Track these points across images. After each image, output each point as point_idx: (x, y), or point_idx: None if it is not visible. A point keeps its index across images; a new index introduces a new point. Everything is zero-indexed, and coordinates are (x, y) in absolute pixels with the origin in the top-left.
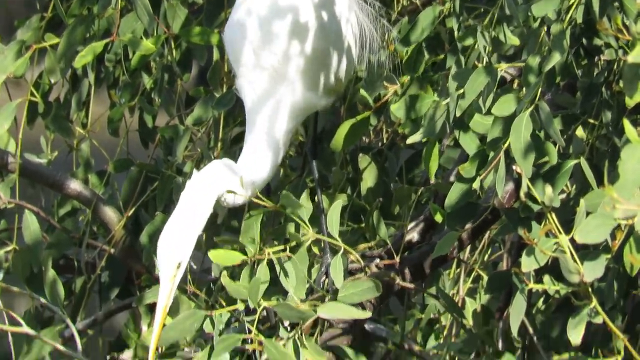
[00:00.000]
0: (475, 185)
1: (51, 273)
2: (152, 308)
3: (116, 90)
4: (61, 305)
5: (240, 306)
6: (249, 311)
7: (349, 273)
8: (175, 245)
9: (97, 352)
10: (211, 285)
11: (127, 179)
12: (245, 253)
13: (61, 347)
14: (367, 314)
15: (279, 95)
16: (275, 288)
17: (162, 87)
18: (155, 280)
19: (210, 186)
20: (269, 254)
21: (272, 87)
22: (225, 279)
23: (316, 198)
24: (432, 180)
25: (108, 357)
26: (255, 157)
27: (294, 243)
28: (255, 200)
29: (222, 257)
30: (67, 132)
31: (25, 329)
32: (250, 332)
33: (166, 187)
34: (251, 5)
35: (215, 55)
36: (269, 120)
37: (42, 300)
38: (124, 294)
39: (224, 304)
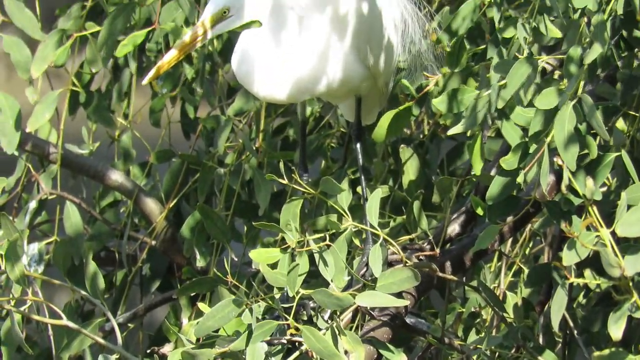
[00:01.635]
0: (519, 179)
1: (92, 265)
2: (193, 301)
3: (158, 80)
4: (102, 298)
5: (278, 294)
6: (288, 301)
7: (389, 265)
8: None
9: (138, 345)
10: (250, 278)
11: (169, 171)
12: (284, 244)
13: (102, 341)
14: (405, 302)
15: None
16: (316, 280)
17: (204, 77)
18: (197, 273)
19: None
20: (308, 242)
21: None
22: (264, 267)
23: (359, 189)
24: (477, 174)
25: (148, 351)
26: (303, 49)
27: (333, 232)
28: (296, 187)
29: (262, 256)
30: (108, 122)
31: (66, 322)
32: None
33: (208, 179)
34: None
35: None
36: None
37: (83, 293)
38: (164, 287)
39: (263, 295)
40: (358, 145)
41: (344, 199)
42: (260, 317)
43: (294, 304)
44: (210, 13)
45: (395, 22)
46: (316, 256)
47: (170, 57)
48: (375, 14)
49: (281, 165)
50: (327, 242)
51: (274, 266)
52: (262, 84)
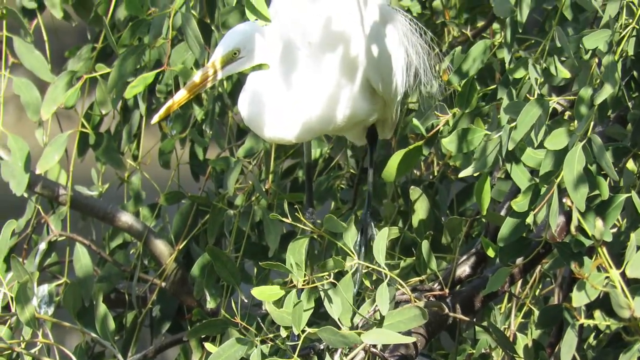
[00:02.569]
0: (529, 220)
1: (102, 307)
2: (202, 342)
3: (167, 122)
4: (112, 340)
5: (284, 332)
6: (295, 339)
7: (397, 304)
8: (242, 30)
9: None
10: (260, 320)
11: (178, 212)
12: (289, 284)
13: None
14: (412, 339)
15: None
16: (325, 322)
17: (213, 118)
18: (207, 314)
19: None
20: (313, 281)
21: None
22: (269, 306)
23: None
24: (484, 213)
25: None
26: (313, 91)
27: (339, 270)
28: (303, 227)
29: (264, 293)
30: (118, 164)
31: None
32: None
33: (217, 220)
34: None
35: None
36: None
37: (93, 334)
38: (175, 329)
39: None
40: (374, 148)
41: (350, 238)
42: (267, 356)
43: (300, 342)
44: (221, 54)
45: (405, 63)
46: (322, 294)
47: (180, 97)
48: (385, 55)
49: (285, 205)
50: (332, 280)
51: (280, 304)
52: (271, 126)
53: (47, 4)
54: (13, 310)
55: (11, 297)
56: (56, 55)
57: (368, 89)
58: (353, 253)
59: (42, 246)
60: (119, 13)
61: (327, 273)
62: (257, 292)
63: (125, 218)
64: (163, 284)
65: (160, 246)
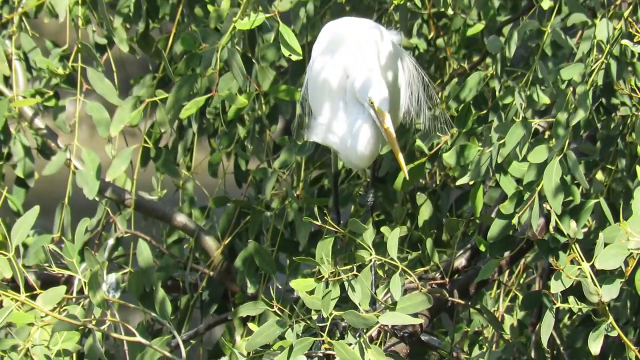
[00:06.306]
0: (514, 221)
1: (161, 292)
2: (245, 322)
3: (215, 138)
4: (169, 319)
5: (314, 315)
6: (322, 321)
7: (407, 291)
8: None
9: (199, 358)
10: (292, 303)
11: (224, 213)
12: (320, 275)
13: (169, 354)
14: (420, 321)
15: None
16: (346, 305)
17: (254, 136)
18: (248, 298)
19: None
20: (339, 273)
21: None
22: (303, 294)
23: (382, 229)
24: (477, 216)
25: None
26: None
27: (359, 263)
28: (329, 227)
29: (301, 284)
30: (174, 173)
31: (139, 338)
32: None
33: (257, 220)
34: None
35: (298, 110)
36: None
37: (153, 314)
38: (221, 310)
39: (303, 317)
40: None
41: (369, 236)
42: (300, 334)
43: (328, 324)
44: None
45: (409, 90)
46: (346, 284)
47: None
48: (397, 84)
49: (316, 209)
50: (355, 272)
51: (311, 292)
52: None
53: (116, 40)
54: (86, 293)
55: (84, 283)
56: (123, 83)
57: None
58: (371, 249)
59: (111, 241)
60: (176, 48)
61: (350, 266)
62: (295, 283)
63: (180, 218)
64: (211, 273)
65: (209, 242)
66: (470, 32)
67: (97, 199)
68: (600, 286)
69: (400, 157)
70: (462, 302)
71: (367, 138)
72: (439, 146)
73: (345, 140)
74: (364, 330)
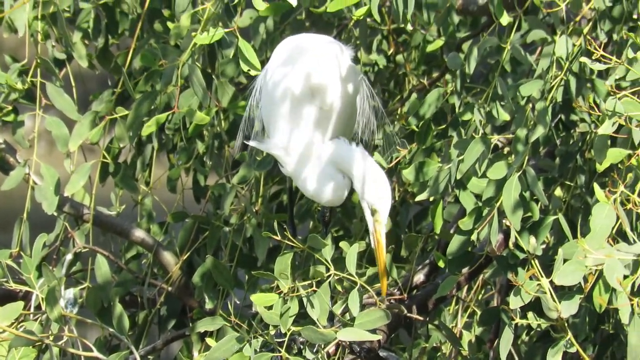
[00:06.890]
0: (473, 237)
1: (118, 307)
2: (202, 337)
3: (174, 154)
4: (126, 335)
5: (272, 330)
6: (280, 337)
7: (365, 307)
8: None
9: None
10: (250, 319)
11: (183, 229)
12: (279, 290)
13: None
14: (378, 337)
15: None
16: (305, 320)
17: (213, 151)
18: (206, 314)
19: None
20: (298, 288)
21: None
22: (261, 309)
23: (341, 244)
24: (437, 232)
25: None
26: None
27: (318, 279)
28: (288, 242)
29: (261, 299)
30: (133, 189)
31: (97, 354)
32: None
33: (215, 235)
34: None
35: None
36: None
37: (111, 330)
38: (179, 325)
39: (261, 332)
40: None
41: (327, 252)
42: (258, 350)
43: (286, 339)
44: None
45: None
46: (304, 300)
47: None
48: (352, 101)
49: (275, 224)
50: (314, 288)
51: (270, 308)
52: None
53: (75, 56)
54: (43, 309)
55: (42, 299)
56: (82, 98)
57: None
58: (330, 264)
59: (69, 257)
60: (135, 63)
61: (309, 282)
62: (255, 298)
63: (139, 233)
64: (169, 288)
65: (168, 257)
66: (430, 48)
67: (55, 214)
68: (560, 302)
69: (383, 270)
70: (421, 318)
71: (337, 186)
72: (396, 160)
73: (309, 180)
74: (322, 346)
